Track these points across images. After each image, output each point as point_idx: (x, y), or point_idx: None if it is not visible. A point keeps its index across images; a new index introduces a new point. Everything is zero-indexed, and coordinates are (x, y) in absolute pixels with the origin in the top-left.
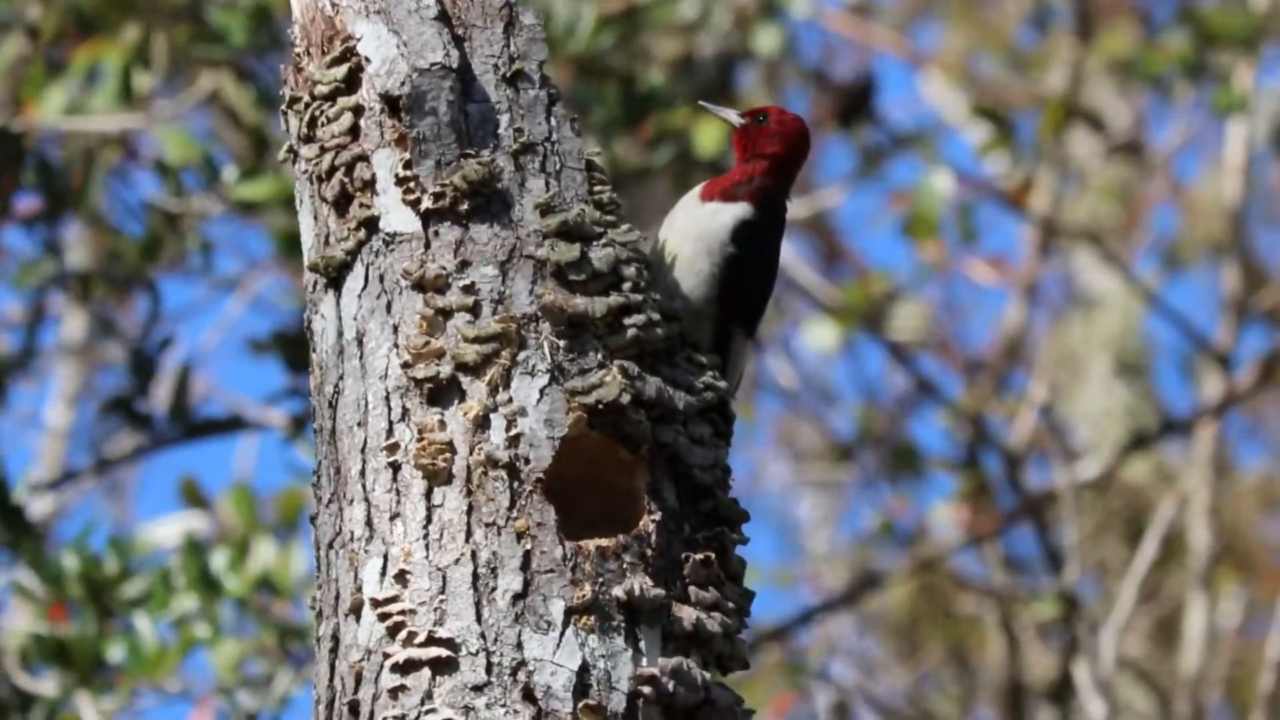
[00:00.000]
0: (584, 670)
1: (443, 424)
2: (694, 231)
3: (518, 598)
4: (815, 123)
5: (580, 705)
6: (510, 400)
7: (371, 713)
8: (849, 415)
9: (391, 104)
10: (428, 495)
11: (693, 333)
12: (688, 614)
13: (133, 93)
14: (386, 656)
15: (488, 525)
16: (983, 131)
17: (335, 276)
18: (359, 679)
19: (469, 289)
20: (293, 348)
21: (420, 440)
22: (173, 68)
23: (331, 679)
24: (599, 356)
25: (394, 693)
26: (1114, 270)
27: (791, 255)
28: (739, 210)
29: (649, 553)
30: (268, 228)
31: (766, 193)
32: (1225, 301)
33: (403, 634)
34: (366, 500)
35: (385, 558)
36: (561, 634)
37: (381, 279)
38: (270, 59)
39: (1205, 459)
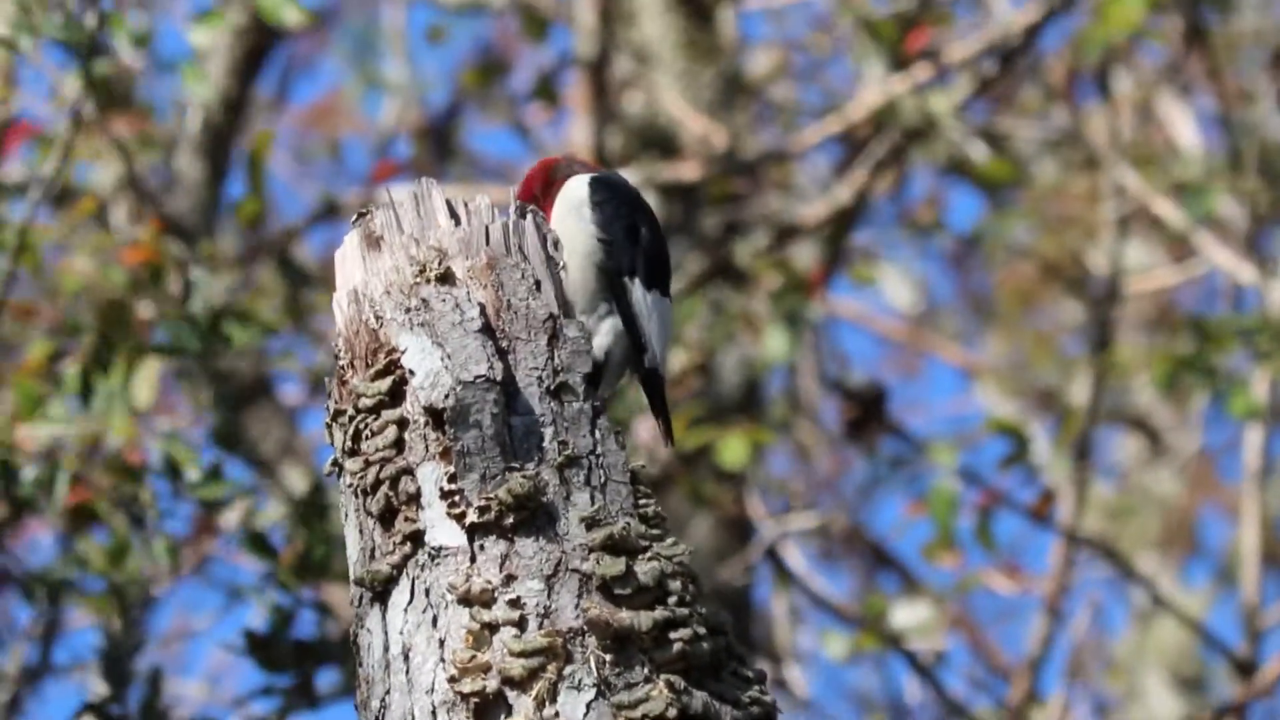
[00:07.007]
0: None
1: None
2: (561, 206)
3: None
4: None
5: None
6: (557, 715)
7: None
8: None
9: (436, 417)
10: None
11: (582, 293)
12: None
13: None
14: None
15: None
16: (1034, 439)
17: (381, 591)
18: None
19: (515, 603)
20: (263, 649)
21: None
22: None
23: None
24: (645, 671)
25: None
26: (1148, 588)
27: (806, 567)
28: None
29: None
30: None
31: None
32: (1245, 610)
33: None
34: None
35: None
36: None
37: (427, 593)
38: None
39: None
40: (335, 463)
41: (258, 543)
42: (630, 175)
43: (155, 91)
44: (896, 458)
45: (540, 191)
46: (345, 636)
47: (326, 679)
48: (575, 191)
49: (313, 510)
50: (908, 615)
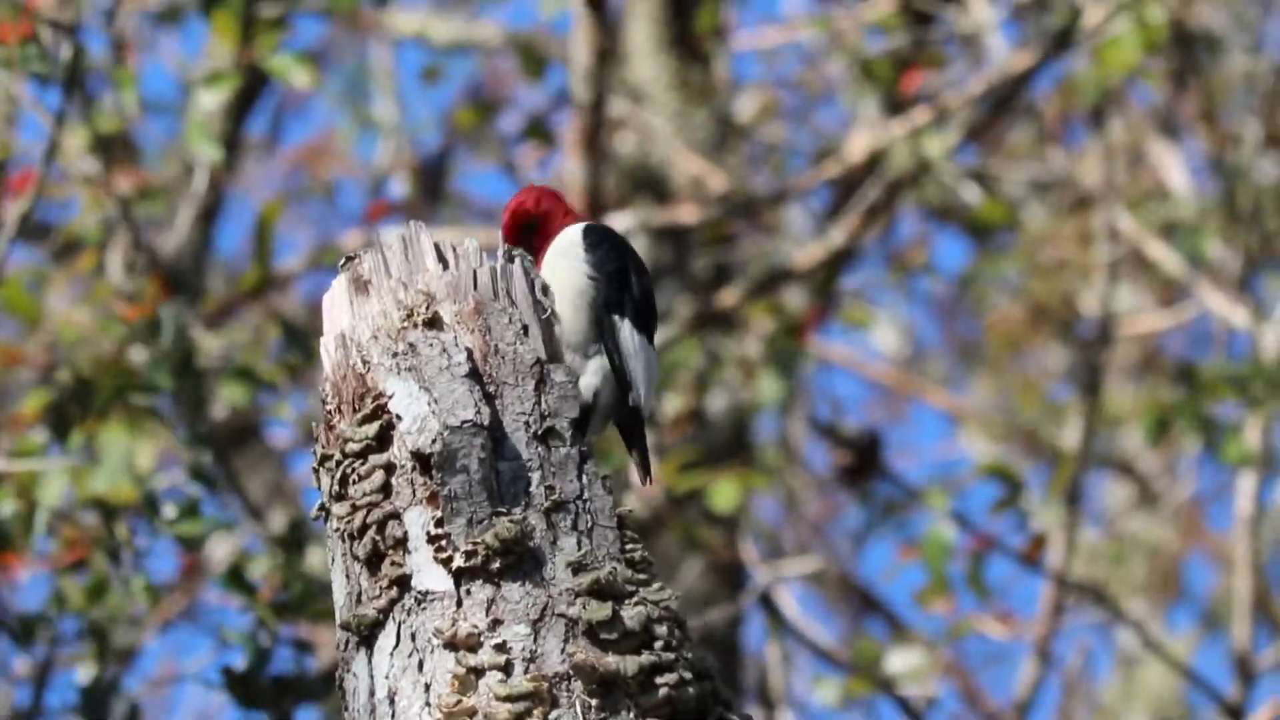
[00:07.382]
0: None
1: None
2: (554, 250)
3: None
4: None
5: None
6: None
7: None
8: None
9: (423, 462)
10: None
11: (573, 334)
12: None
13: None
14: None
15: None
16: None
17: (367, 635)
18: None
19: (501, 647)
20: (242, 685)
21: None
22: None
23: None
24: (631, 715)
25: None
26: (1139, 633)
27: (798, 612)
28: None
29: None
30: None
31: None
32: (1236, 656)
33: None
34: None
35: None
36: None
37: (413, 637)
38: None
39: None
40: (322, 507)
41: (236, 579)
42: (626, 218)
43: (142, 132)
44: (889, 503)
45: (557, 223)
46: (324, 673)
47: (306, 717)
48: (568, 236)
49: (291, 546)
50: (900, 660)
